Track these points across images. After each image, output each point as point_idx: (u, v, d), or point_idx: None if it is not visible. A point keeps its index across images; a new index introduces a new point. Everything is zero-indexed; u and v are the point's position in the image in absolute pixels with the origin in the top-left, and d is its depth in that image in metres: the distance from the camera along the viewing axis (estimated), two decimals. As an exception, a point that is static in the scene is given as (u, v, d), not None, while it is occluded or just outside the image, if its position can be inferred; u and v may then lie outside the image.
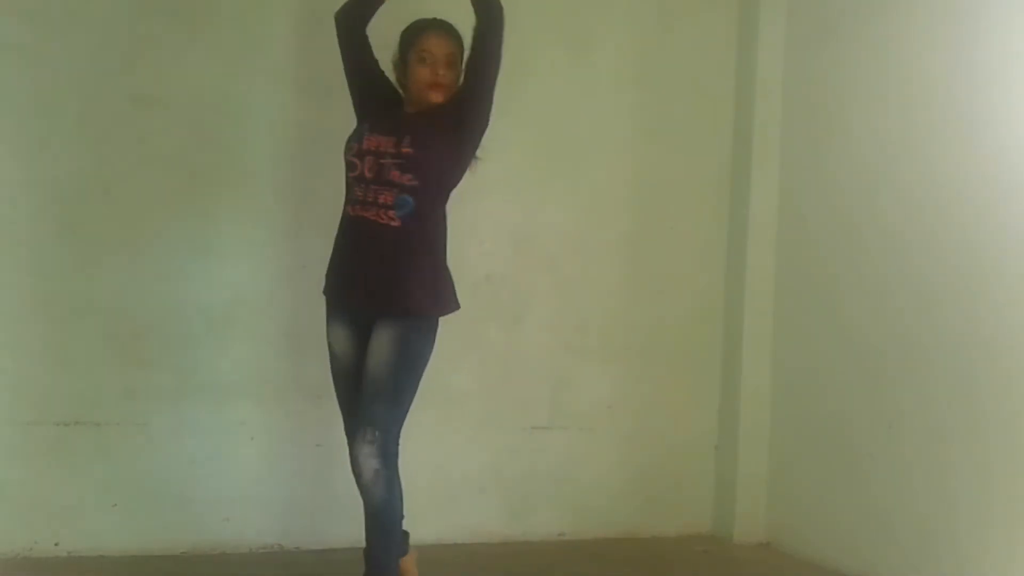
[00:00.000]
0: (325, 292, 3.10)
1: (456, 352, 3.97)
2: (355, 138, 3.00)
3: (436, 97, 2.96)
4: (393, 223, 2.87)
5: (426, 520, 3.54)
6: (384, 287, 2.89)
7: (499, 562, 3.76)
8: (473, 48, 2.98)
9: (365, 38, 3.08)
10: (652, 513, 4.25)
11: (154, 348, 3.61)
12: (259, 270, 3.73)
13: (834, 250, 3.96)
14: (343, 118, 3.80)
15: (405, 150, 2.88)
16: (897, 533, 3.58)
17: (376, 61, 3.11)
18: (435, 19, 3.04)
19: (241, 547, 3.66)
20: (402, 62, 3.04)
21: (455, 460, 3.94)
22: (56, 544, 3.48)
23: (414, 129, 2.92)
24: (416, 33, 3.01)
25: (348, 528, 3.76)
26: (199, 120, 3.66)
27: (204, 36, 3.67)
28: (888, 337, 3.68)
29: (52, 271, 3.51)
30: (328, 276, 3.08)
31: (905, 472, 3.57)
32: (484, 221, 3.98)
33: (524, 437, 4.08)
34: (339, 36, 3.10)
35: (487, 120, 2.99)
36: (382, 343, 2.87)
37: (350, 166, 2.97)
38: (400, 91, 3.09)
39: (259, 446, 3.72)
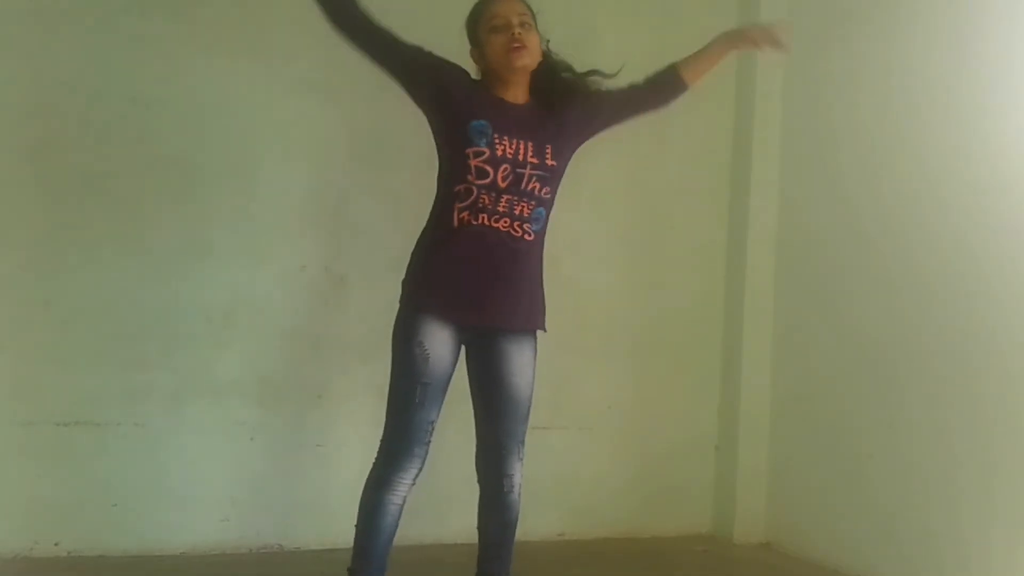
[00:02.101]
0: (422, 302, 2.72)
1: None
2: (478, 138, 2.66)
3: (519, 60, 2.68)
4: (527, 236, 2.72)
5: (426, 520, 3.54)
6: (522, 304, 2.79)
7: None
8: (634, 97, 2.96)
9: (379, 30, 2.76)
10: (652, 513, 4.25)
11: (154, 348, 3.61)
12: (259, 270, 3.73)
13: (834, 250, 3.97)
14: (343, 118, 3.82)
15: (551, 163, 2.72)
16: (897, 533, 3.59)
17: (416, 54, 2.74)
18: None
19: (241, 547, 3.66)
20: (476, 46, 2.77)
21: (455, 460, 3.92)
22: (56, 544, 3.48)
23: (550, 134, 2.74)
24: (481, 7, 2.78)
25: (348, 528, 3.76)
26: (199, 120, 3.66)
27: (204, 36, 3.67)
28: (889, 337, 3.68)
29: (52, 271, 3.51)
30: (432, 286, 2.72)
31: (906, 472, 3.57)
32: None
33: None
34: (350, 40, 2.80)
35: None
36: (524, 362, 2.80)
37: (478, 172, 2.65)
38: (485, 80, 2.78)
39: (259, 446, 3.72)
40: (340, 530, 3.66)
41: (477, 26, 2.76)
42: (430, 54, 2.74)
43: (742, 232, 4.28)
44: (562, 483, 4.14)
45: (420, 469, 2.75)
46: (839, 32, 4.01)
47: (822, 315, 4.03)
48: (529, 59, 2.71)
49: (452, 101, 2.70)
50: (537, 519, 4.09)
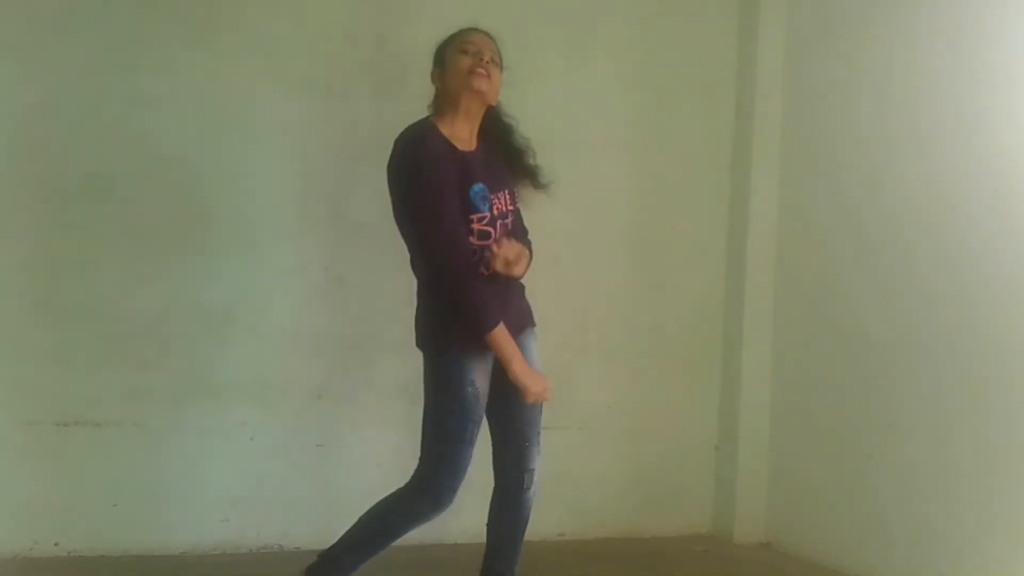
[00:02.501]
0: (465, 344, 2.69)
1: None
2: (483, 204, 2.68)
3: (479, 82, 2.70)
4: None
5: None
6: (524, 310, 2.93)
7: (499, 562, 3.75)
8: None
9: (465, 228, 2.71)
10: (652, 513, 4.25)
11: (154, 348, 3.61)
12: (259, 270, 3.73)
13: (834, 250, 3.96)
14: (343, 118, 3.82)
15: (511, 207, 2.82)
16: (897, 533, 3.59)
17: (453, 196, 2.67)
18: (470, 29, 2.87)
19: (241, 547, 3.66)
20: (439, 66, 2.80)
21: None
22: (56, 544, 3.48)
23: (507, 178, 2.83)
24: (457, 34, 2.83)
25: (348, 528, 3.77)
26: (199, 120, 3.66)
27: (204, 36, 3.67)
28: (888, 337, 3.68)
29: (52, 271, 3.51)
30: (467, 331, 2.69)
31: (905, 472, 3.57)
32: (484, 221, 3.97)
33: (524, 437, 4.07)
34: None
35: None
36: (535, 351, 2.90)
37: (480, 235, 2.67)
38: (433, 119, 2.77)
39: (259, 446, 3.72)
40: (340, 530, 3.66)
41: (448, 47, 2.80)
42: (451, 188, 2.66)
43: (742, 232, 4.28)
44: (562, 483, 4.13)
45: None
46: (839, 32, 4.00)
47: (822, 315, 4.03)
48: (487, 87, 2.74)
49: (456, 182, 2.66)
50: (537, 519, 4.04)
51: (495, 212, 2.71)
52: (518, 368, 2.66)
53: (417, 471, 2.76)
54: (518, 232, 2.85)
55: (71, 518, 3.51)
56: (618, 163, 4.24)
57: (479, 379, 2.71)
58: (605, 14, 4.22)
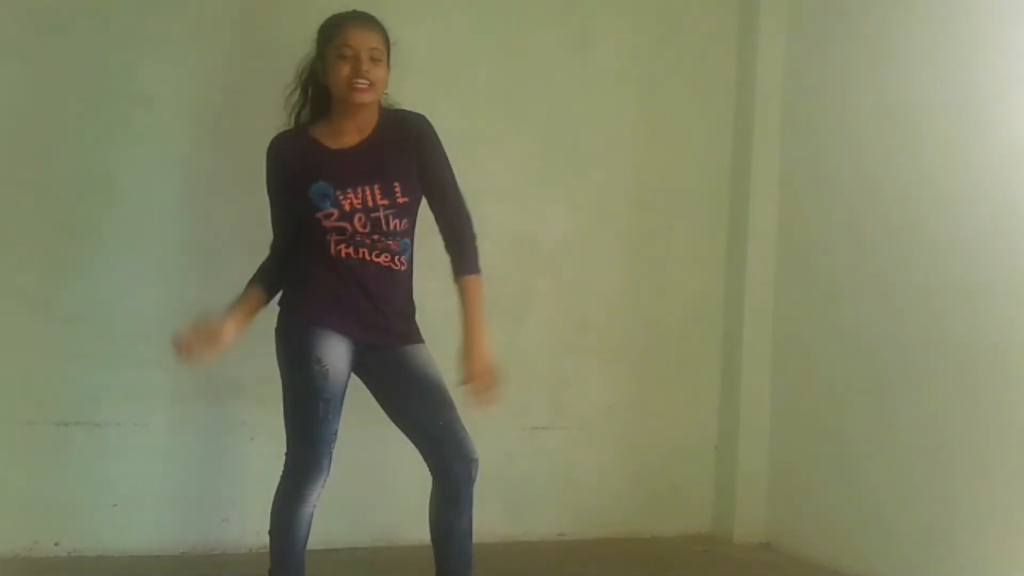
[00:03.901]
0: (315, 319, 2.76)
1: (456, 352, 3.96)
2: (325, 201, 2.68)
3: (361, 96, 2.67)
4: (402, 267, 2.78)
5: (426, 520, 3.54)
6: (405, 324, 2.82)
7: (499, 562, 3.75)
8: (439, 208, 2.81)
9: (288, 241, 2.85)
10: (652, 513, 4.25)
11: (154, 348, 3.60)
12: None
13: (834, 250, 3.96)
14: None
15: (402, 200, 2.73)
16: (897, 533, 3.58)
17: (285, 211, 2.84)
18: (354, 11, 2.78)
19: (241, 547, 3.65)
20: (320, 63, 2.76)
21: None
22: (56, 544, 3.48)
23: (394, 172, 2.73)
24: (332, 28, 2.74)
25: (348, 528, 3.77)
26: (199, 120, 3.66)
27: (204, 36, 3.67)
28: (888, 337, 3.68)
29: (52, 271, 3.51)
30: (319, 303, 2.76)
31: (905, 472, 3.57)
32: (484, 222, 3.93)
33: (524, 437, 4.08)
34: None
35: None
36: (427, 358, 2.82)
37: (336, 231, 2.70)
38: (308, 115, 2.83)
39: (259, 446, 3.71)
40: (340, 530, 3.68)
41: (327, 45, 2.74)
42: (273, 183, 2.83)
43: (742, 232, 4.28)
44: (562, 483, 4.14)
45: (327, 476, 2.79)
46: (839, 32, 4.00)
47: (822, 315, 4.03)
48: (371, 97, 2.71)
49: (293, 185, 2.73)
50: (537, 519, 4.10)
51: (346, 208, 2.67)
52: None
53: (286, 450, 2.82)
54: (399, 229, 2.75)
55: (71, 518, 3.51)
56: (618, 163, 4.24)
57: (334, 357, 2.71)
58: (605, 14, 4.22)
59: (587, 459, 4.17)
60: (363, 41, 2.68)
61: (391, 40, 2.76)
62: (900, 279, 3.64)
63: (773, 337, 4.25)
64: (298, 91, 2.88)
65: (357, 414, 3.71)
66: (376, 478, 3.81)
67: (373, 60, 2.68)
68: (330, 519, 3.67)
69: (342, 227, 2.69)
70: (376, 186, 2.70)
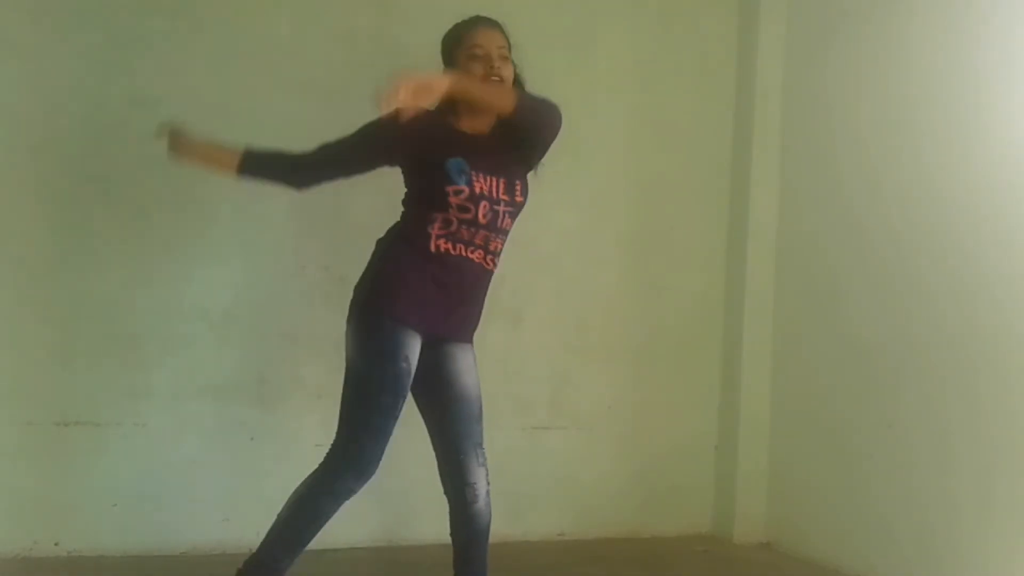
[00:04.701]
0: (398, 312, 2.70)
1: (456, 352, 3.97)
2: (460, 177, 2.67)
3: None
4: (493, 268, 2.80)
5: (426, 520, 3.54)
6: (472, 322, 2.85)
7: (499, 562, 3.74)
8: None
9: (319, 158, 2.85)
10: (652, 513, 4.25)
11: (154, 348, 3.61)
12: (259, 270, 3.73)
13: (834, 250, 3.97)
14: (343, 118, 3.81)
15: (520, 199, 2.78)
16: (897, 533, 3.59)
17: (349, 140, 2.82)
18: (478, 16, 2.84)
19: (241, 547, 3.63)
20: (450, 66, 2.78)
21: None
22: (56, 544, 3.48)
23: (518, 171, 2.79)
24: (462, 31, 2.79)
25: (348, 528, 3.76)
26: (199, 120, 3.66)
27: (204, 36, 3.67)
28: (888, 337, 3.68)
29: (52, 271, 3.51)
30: (403, 298, 2.71)
31: (905, 472, 3.57)
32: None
33: (524, 437, 4.08)
34: (324, 181, 2.94)
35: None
36: (470, 366, 2.82)
37: (459, 208, 2.68)
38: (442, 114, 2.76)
39: (259, 446, 3.72)
40: (340, 530, 3.66)
41: (456, 49, 2.78)
42: (374, 134, 2.75)
43: (742, 232, 4.28)
44: (562, 483, 4.14)
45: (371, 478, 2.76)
46: (839, 32, 4.01)
47: (822, 315, 4.03)
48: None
49: (420, 147, 2.70)
50: (537, 519, 4.10)
51: (476, 191, 2.67)
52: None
53: (336, 444, 2.75)
54: (508, 229, 2.80)
55: (71, 518, 3.51)
56: (618, 163, 4.24)
57: (411, 354, 2.69)
58: (605, 14, 4.22)
59: (587, 459, 4.17)
60: (492, 40, 2.76)
61: (511, 43, 2.82)
62: (900, 279, 3.65)
63: (773, 337, 4.25)
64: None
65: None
66: (377, 478, 3.80)
67: (502, 59, 2.75)
68: (330, 519, 3.67)
69: (466, 207, 2.68)
70: (502, 180, 2.74)
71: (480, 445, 2.82)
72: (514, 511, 4.04)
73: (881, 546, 3.65)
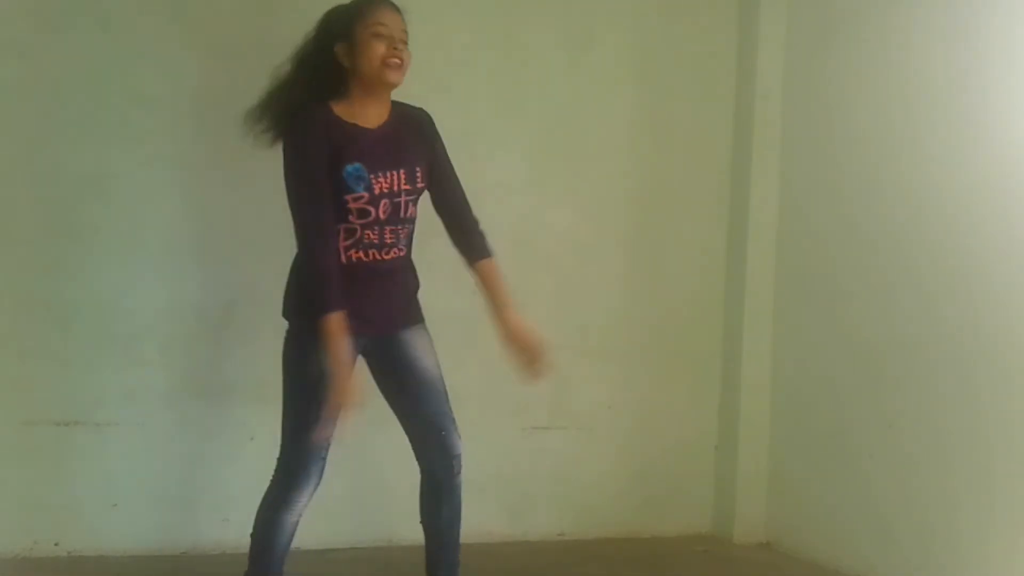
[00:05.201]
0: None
1: (456, 352, 3.96)
2: (359, 184, 2.66)
3: (393, 76, 2.68)
4: (401, 254, 2.80)
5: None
6: (405, 306, 2.85)
7: (499, 562, 3.76)
8: (445, 204, 2.85)
9: (332, 226, 2.72)
10: (652, 513, 4.25)
11: (154, 348, 3.61)
12: (259, 270, 3.72)
13: (834, 250, 3.96)
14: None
15: (421, 184, 2.76)
16: (897, 533, 3.58)
17: (323, 190, 2.70)
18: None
19: (241, 547, 3.62)
20: (348, 43, 2.70)
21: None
22: (56, 544, 3.48)
23: (418, 156, 2.76)
24: (364, 7, 2.71)
25: (348, 528, 3.77)
26: (199, 120, 3.66)
27: (204, 36, 3.67)
28: (888, 337, 3.68)
29: (52, 271, 3.51)
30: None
31: (905, 472, 3.57)
32: (484, 221, 3.96)
33: (524, 437, 4.08)
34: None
35: None
36: (425, 348, 2.84)
37: (359, 213, 2.68)
38: (328, 93, 2.74)
39: (259, 446, 3.70)
40: (340, 530, 3.68)
41: (356, 24, 2.70)
42: (321, 169, 2.68)
43: (742, 232, 4.28)
44: (562, 483, 4.14)
45: (317, 485, 2.80)
46: (839, 32, 4.00)
47: (822, 315, 4.03)
48: (401, 77, 2.72)
49: (329, 164, 2.66)
50: (537, 519, 4.10)
51: (376, 191, 2.67)
52: (330, 364, 2.63)
53: (279, 455, 2.79)
54: (411, 215, 2.76)
55: (71, 518, 3.51)
56: (618, 163, 4.24)
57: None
58: (605, 13, 4.22)
59: (587, 459, 4.17)
60: (396, 23, 2.72)
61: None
62: (900, 279, 3.64)
63: (773, 337, 4.25)
64: (295, 71, 2.81)
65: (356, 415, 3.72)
66: (376, 478, 3.81)
67: (403, 43, 2.72)
68: (330, 519, 3.68)
69: (366, 210, 2.68)
70: (402, 171, 2.72)
71: (454, 422, 2.85)
72: (514, 511, 4.05)
73: (881, 546, 3.65)
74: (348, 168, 2.66)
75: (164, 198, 3.62)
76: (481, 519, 3.97)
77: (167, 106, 3.62)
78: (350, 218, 2.68)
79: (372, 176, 2.67)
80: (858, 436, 3.78)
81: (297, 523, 2.81)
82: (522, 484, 4.06)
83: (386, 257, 2.75)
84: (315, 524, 3.70)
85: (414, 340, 2.83)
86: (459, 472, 2.85)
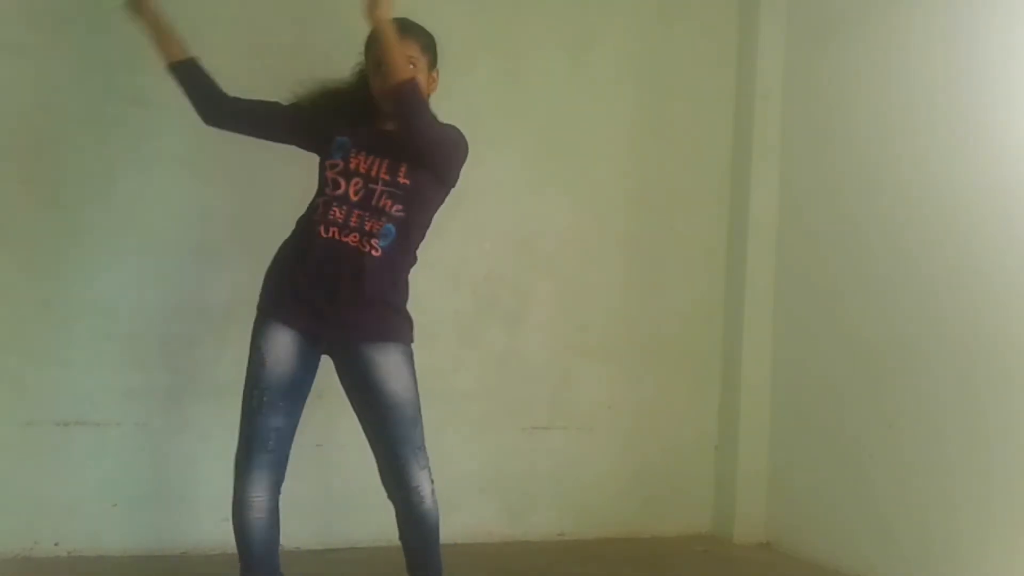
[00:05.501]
0: (266, 307, 2.77)
1: (456, 352, 3.97)
2: (337, 152, 2.73)
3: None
4: (375, 252, 2.67)
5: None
6: (369, 317, 2.71)
7: (499, 562, 3.76)
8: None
9: (242, 107, 2.91)
10: (652, 513, 4.25)
11: (154, 348, 3.61)
12: (259, 270, 3.71)
13: (834, 250, 3.97)
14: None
15: (403, 180, 2.69)
16: (897, 533, 3.59)
17: (285, 113, 2.89)
18: (401, 19, 2.76)
19: (241, 547, 3.65)
20: (365, 64, 2.81)
21: (455, 460, 3.93)
22: (56, 544, 3.48)
23: (408, 156, 2.70)
24: (370, 38, 2.75)
25: (348, 528, 3.77)
26: (199, 120, 3.65)
27: (204, 36, 3.66)
28: (888, 337, 3.68)
29: (52, 271, 3.51)
30: (275, 291, 2.77)
31: (905, 472, 3.57)
32: (484, 221, 3.98)
33: (524, 437, 4.08)
34: (232, 130, 2.97)
35: (454, 180, 2.83)
36: (392, 366, 2.72)
37: (331, 184, 2.71)
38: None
39: (259, 446, 3.71)
40: (340, 530, 3.68)
41: (367, 53, 2.80)
42: (299, 109, 2.87)
43: (742, 232, 4.29)
44: (562, 483, 4.14)
45: (275, 480, 2.73)
46: (838, 32, 4.01)
47: (822, 315, 4.03)
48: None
49: (321, 125, 2.81)
50: (537, 519, 4.10)
51: (351, 166, 2.71)
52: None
53: None
54: (388, 210, 2.70)
55: (71, 518, 3.51)
56: (618, 163, 4.25)
57: (269, 347, 2.68)
58: (605, 14, 4.22)
59: (587, 459, 4.17)
60: (403, 48, 2.67)
61: (435, 43, 2.82)
62: (900, 279, 3.65)
63: (773, 337, 4.25)
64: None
65: (353, 414, 3.73)
66: (375, 478, 3.81)
67: (412, 66, 2.70)
68: (330, 519, 3.68)
69: (336, 181, 2.71)
70: (385, 161, 2.72)
71: (420, 448, 2.76)
72: (514, 511, 4.05)
73: (881, 546, 3.65)
74: (338, 139, 2.76)
75: (164, 198, 3.62)
76: (481, 519, 3.98)
77: (167, 106, 3.62)
78: (326, 189, 2.74)
79: (353, 151, 2.73)
80: (858, 436, 3.78)
81: (262, 521, 2.73)
82: (522, 484, 4.06)
83: (345, 239, 2.67)
84: (314, 524, 3.72)
85: (379, 359, 2.71)
86: (421, 503, 2.74)
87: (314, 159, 3.82)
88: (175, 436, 3.62)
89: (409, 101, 2.62)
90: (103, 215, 3.56)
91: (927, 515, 3.47)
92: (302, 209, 3.74)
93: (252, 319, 3.67)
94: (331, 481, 3.73)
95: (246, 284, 3.69)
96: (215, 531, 3.64)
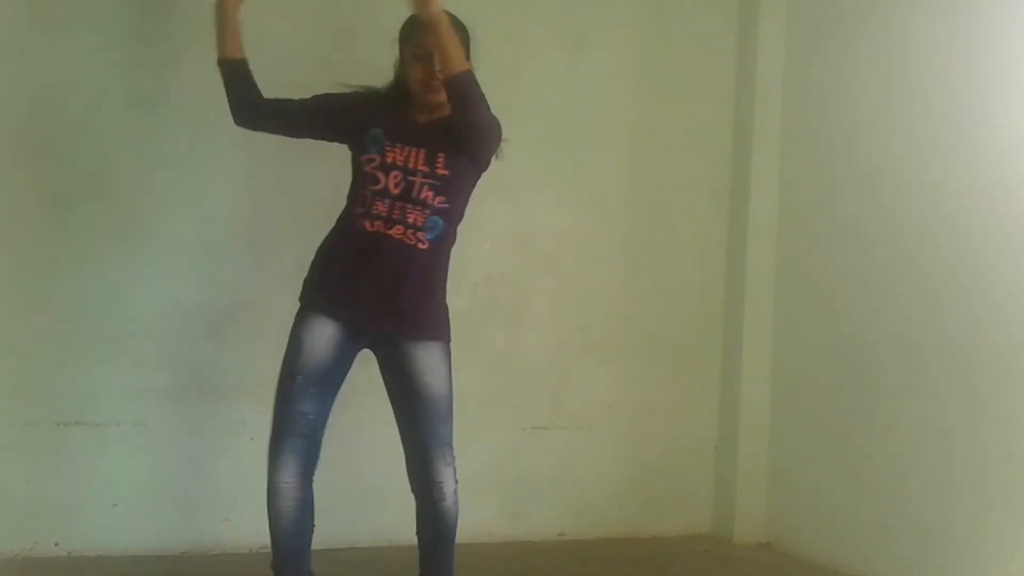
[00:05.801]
0: (310, 299, 2.83)
1: (456, 352, 3.95)
2: (373, 147, 2.76)
3: (436, 97, 2.76)
4: (421, 245, 2.74)
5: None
6: (414, 311, 2.78)
7: (499, 562, 3.76)
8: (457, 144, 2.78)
9: (273, 108, 2.99)
10: (652, 513, 4.25)
11: (154, 348, 3.61)
12: (259, 270, 3.73)
13: (834, 250, 3.97)
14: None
15: (442, 171, 2.74)
16: (897, 533, 3.59)
17: (314, 104, 2.95)
18: None
19: (241, 547, 3.65)
20: (401, 63, 2.87)
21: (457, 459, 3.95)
22: (56, 544, 3.48)
23: (444, 145, 2.75)
24: (409, 29, 2.81)
25: (348, 528, 3.77)
26: (199, 120, 3.66)
27: (204, 36, 3.67)
28: (888, 337, 3.68)
29: (52, 271, 3.51)
30: (321, 286, 2.82)
31: (905, 472, 3.57)
32: (484, 221, 3.95)
33: (524, 437, 4.08)
34: (261, 130, 3.06)
35: (488, 163, 2.88)
36: (432, 361, 2.78)
37: (371, 179, 2.75)
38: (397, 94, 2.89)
39: (259, 446, 3.67)
40: (340, 530, 3.68)
41: (405, 45, 2.84)
42: (341, 98, 2.91)
43: (742, 232, 4.28)
44: (562, 483, 4.14)
45: (306, 467, 2.76)
46: (838, 32, 4.01)
47: (822, 315, 4.03)
48: (441, 99, 2.76)
49: (355, 117, 2.84)
50: (537, 519, 4.10)
51: (388, 160, 2.73)
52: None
53: None
54: (430, 202, 2.75)
55: (71, 518, 3.51)
56: (618, 162, 4.25)
57: (308, 336, 2.75)
58: (605, 13, 4.22)
59: (587, 459, 4.17)
60: None
61: (470, 36, 2.84)
62: (900, 279, 3.65)
63: (773, 337, 4.25)
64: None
65: (356, 413, 3.74)
66: (376, 478, 3.81)
67: None
68: (330, 519, 3.67)
69: (375, 176, 2.73)
70: (422, 151, 2.75)
71: (447, 444, 2.80)
72: (514, 511, 4.05)
73: (881, 546, 3.65)
74: (372, 132, 2.78)
75: (164, 198, 3.62)
76: (481, 519, 3.97)
77: (167, 106, 3.62)
78: (366, 184, 2.75)
79: (388, 144, 2.75)
80: (858, 436, 3.78)
81: (295, 509, 2.77)
82: (522, 484, 4.06)
83: (390, 232, 2.72)
84: (316, 524, 3.71)
85: (420, 354, 2.77)
86: (443, 499, 2.78)
87: (315, 159, 3.84)
88: (175, 436, 3.62)
89: (471, 91, 2.67)
90: (103, 215, 3.56)
91: (926, 515, 3.47)
92: (303, 209, 3.77)
93: (252, 319, 3.71)
94: (331, 481, 3.71)
95: (246, 284, 3.72)
96: (215, 531, 3.65)
